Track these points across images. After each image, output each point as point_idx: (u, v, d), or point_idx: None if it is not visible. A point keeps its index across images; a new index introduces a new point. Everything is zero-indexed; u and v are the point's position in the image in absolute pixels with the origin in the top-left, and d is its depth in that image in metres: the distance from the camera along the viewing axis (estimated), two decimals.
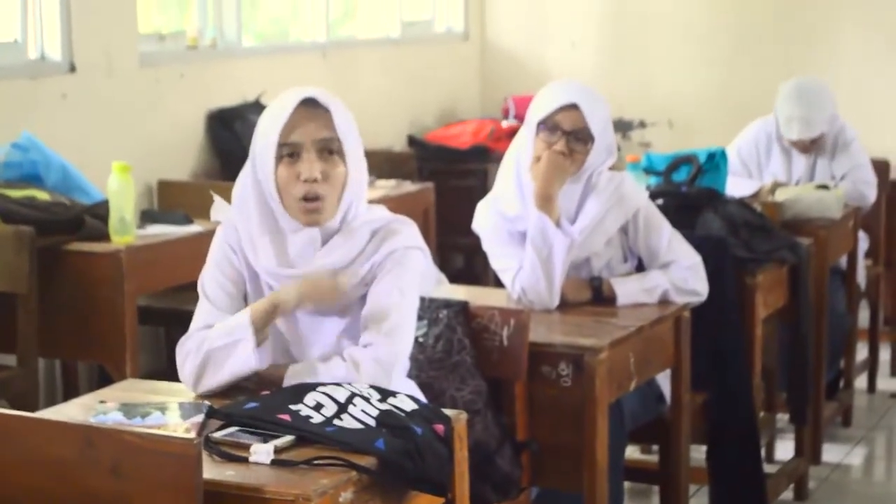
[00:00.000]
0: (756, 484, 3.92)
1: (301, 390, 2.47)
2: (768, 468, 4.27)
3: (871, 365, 5.63)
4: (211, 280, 2.78)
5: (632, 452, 4.35)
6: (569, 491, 3.31)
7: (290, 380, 2.61)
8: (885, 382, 5.73)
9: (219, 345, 2.64)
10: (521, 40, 7.69)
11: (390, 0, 7.11)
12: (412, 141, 6.92)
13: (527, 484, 3.22)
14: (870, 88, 6.84)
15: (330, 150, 2.69)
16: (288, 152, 2.68)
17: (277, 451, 2.29)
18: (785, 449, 4.69)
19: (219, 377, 2.65)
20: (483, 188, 5.97)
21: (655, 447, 4.12)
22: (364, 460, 2.27)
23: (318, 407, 2.40)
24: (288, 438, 2.33)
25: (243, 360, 2.63)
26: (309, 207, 2.68)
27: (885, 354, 5.80)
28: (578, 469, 3.19)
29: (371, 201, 2.84)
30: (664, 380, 3.65)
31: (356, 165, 2.73)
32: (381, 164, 5.97)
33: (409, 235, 2.76)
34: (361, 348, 2.65)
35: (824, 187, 4.86)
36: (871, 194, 5.23)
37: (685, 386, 3.59)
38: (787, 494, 4.45)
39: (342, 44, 6.72)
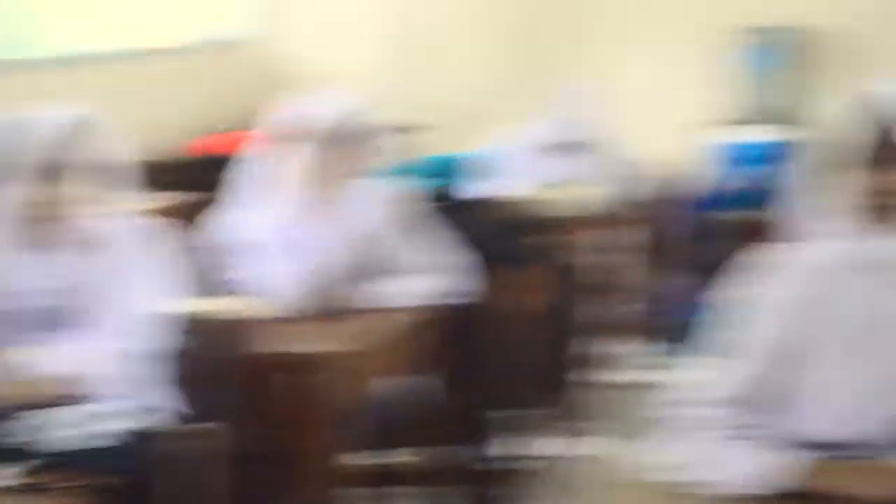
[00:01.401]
0: (522, 480, 4.00)
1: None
2: (533, 463, 4.33)
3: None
4: None
5: (393, 455, 4.36)
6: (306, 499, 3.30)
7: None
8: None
9: None
10: (301, 46, 7.71)
11: (169, 8, 7.05)
12: (189, 151, 6.87)
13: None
14: (633, 93, 7.03)
15: (91, 168, 2.67)
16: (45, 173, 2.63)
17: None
18: (553, 444, 4.75)
19: None
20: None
21: (420, 448, 4.16)
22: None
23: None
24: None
25: None
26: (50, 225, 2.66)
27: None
28: (316, 476, 3.18)
29: (144, 213, 2.83)
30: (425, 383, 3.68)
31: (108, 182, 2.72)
32: (158, 174, 5.89)
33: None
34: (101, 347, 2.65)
35: (588, 187, 5.00)
36: (634, 192, 5.39)
37: (449, 387, 3.64)
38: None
39: (119, 56, 6.62)
